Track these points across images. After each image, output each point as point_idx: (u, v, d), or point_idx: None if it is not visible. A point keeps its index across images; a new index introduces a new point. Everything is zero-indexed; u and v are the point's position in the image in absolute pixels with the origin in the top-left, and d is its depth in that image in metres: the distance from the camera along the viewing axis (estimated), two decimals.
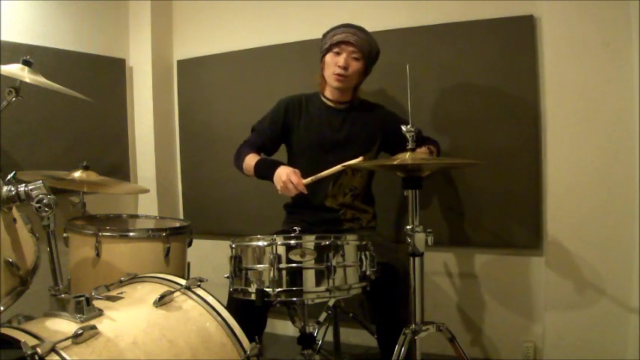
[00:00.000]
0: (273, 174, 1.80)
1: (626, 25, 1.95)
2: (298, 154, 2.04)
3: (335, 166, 1.93)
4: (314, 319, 1.90)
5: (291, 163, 2.08)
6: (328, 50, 1.93)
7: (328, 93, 2.02)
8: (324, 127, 2.00)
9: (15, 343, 0.98)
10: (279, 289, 1.39)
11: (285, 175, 1.75)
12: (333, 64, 1.92)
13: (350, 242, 1.46)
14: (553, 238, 2.14)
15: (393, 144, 2.00)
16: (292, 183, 1.73)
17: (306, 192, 1.75)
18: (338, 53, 1.91)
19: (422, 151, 1.93)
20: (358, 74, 1.95)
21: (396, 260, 1.76)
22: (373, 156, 2.04)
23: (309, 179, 1.75)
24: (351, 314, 2.13)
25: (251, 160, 1.94)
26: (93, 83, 2.62)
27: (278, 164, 1.85)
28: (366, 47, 1.92)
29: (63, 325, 1.09)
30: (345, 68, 1.90)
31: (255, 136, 2.07)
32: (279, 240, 1.41)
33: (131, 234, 1.95)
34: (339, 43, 1.90)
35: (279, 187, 1.78)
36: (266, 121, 2.06)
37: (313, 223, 1.99)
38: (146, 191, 2.51)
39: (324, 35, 1.97)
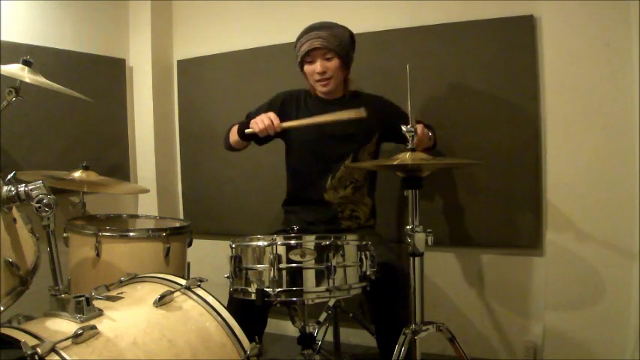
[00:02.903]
0: (250, 124, 1.85)
1: (627, 26, 1.95)
2: (296, 148, 2.05)
3: (339, 160, 1.93)
4: (314, 319, 1.90)
5: (289, 158, 2.08)
6: (302, 63, 1.96)
7: (320, 94, 2.03)
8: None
9: (15, 343, 0.98)
10: (280, 289, 1.39)
11: (260, 116, 1.83)
12: (312, 72, 1.94)
13: (350, 242, 1.46)
14: (553, 238, 2.14)
15: (394, 134, 1.97)
16: (267, 120, 1.79)
17: (279, 129, 1.81)
18: (311, 62, 1.93)
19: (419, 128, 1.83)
20: (339, 70, 1.95)
21: (396, 260, 1.75)
22: (373, 147, 2.03)
23: (288, 123, 1.82)
24: (351, 314, 2.14)
25: (234, 128, 1.99)
26: (93, 83, 2.62)
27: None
28: (334, 42, 1.89)
29: (63, 325, 1.09)
30: (324, 72, 1.92)
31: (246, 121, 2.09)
32: (279, 240, 1.41)
33: (131, 234, 1.94)
34: (307, 53, 1.91)
35: (255, 127, 1.82)
36: (261, 110, 2.04)
37: (311, 222, 1.99)
38: (146, 191, 2.51)
39: (294, 47, 1.99)
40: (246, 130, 1.87)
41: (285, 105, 2.04)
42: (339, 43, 1.91)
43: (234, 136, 1.99)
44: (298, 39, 1.96)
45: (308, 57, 1.92)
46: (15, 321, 1.33)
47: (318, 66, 1.91)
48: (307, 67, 1.96)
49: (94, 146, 2.64)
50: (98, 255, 1.86)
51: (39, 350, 0.94)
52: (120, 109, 2.84)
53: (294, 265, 1.40)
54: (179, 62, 2.95)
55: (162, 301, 1.24)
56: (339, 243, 1.42)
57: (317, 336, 1.91)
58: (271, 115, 1.83)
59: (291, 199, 2.10)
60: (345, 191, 1.99)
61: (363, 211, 2.03)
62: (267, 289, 1.39)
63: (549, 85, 2.11)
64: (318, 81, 1.94)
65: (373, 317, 1.84)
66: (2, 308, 1.14)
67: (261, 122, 1.81)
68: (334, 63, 1.92)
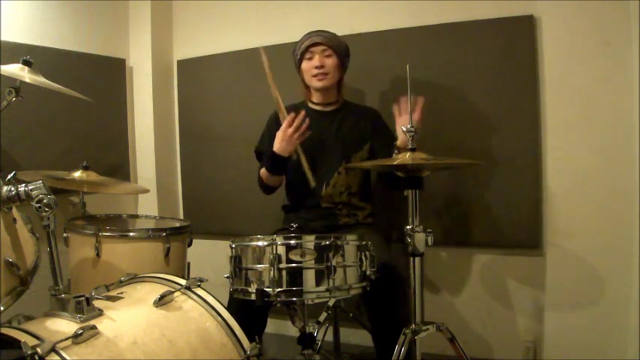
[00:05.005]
0: (274, 151, 1.89)
1: (626, 25, 1.95)
2: (294, 162, 2.04)
3: (332, 168, 1.97)
4: (314, 319, 1.90)
5: (289, 173, 2.08)
6: (301, 60, 2.02)
7: (314, 98, 2.09)
8: (314, 131, 2.00)
9: (15, 343, 0.98)
10: (279, 289, 1.39)
11: (278, 136, 1.88)
12: (310, 68, 2.00)
13: (350, 242, 1.46)
14: (553, 238, 2.14)
15: (376, 148, 2.04)
16: (289, 130, 1.85)
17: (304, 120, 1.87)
18: (310, 58, 2.00)
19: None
20: (336, 69, 2.01)
21: (395, 260, 1.76)
22: (365, 155, 2.05)
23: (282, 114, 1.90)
24: (351, 314, 2.13)
25: (262, 171, 2.04)
26: (93, 83, 2.61)
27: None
28: (334, 42, 2.00)
29: (63, 325, 1.09)
30: (322, 67, 1.97)
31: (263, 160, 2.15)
32: (279, 240, 1.41)
33: (131, 234, 1.95)
34: (308, 48, 1.98)
35: (285, 142, 1.87)
36: (264, 141, 2.11)
37: (310, 219, 2.02)
38: (146, 191, 2.51)
39: (294, 51, 2.05)
40: (277, 155, 1.90)
41: (275, 128, 2.03)
42: (338, 44, 2.01)
43: (267, 176, 2.03)
44: (299, 41, 2.03)
45: (308, 53, 1.99)
46: (15, 321, 1.33)
47: (316, 60, 1.98)
48: (306, 64, 2.01)
49: (94, 146, 2.63)
50: (98, 255, 1.86)
51: (39, 350, 0.94)
52: (120, 109, 2.84)
53: (294, 265, 1.40)
54: (179, 62, 2.94)
55: (162, 301, 1.24)
56: (339, 243, 1.43)
57: (317, 336, 1.91)
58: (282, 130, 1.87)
59: (289, 205, 2.14)
60: (341, 198, 2.03)
61: (362, 213, 2.07)
62: (267, 289, 1.39)
63: (549, 85, 2.11)
64: (315, 76, 1.99)
65: (371, 317, 1.84)
66: (2, 308, 1.14)
67: (289, 133, 1.84)
68: (332, 60, 1.99)
